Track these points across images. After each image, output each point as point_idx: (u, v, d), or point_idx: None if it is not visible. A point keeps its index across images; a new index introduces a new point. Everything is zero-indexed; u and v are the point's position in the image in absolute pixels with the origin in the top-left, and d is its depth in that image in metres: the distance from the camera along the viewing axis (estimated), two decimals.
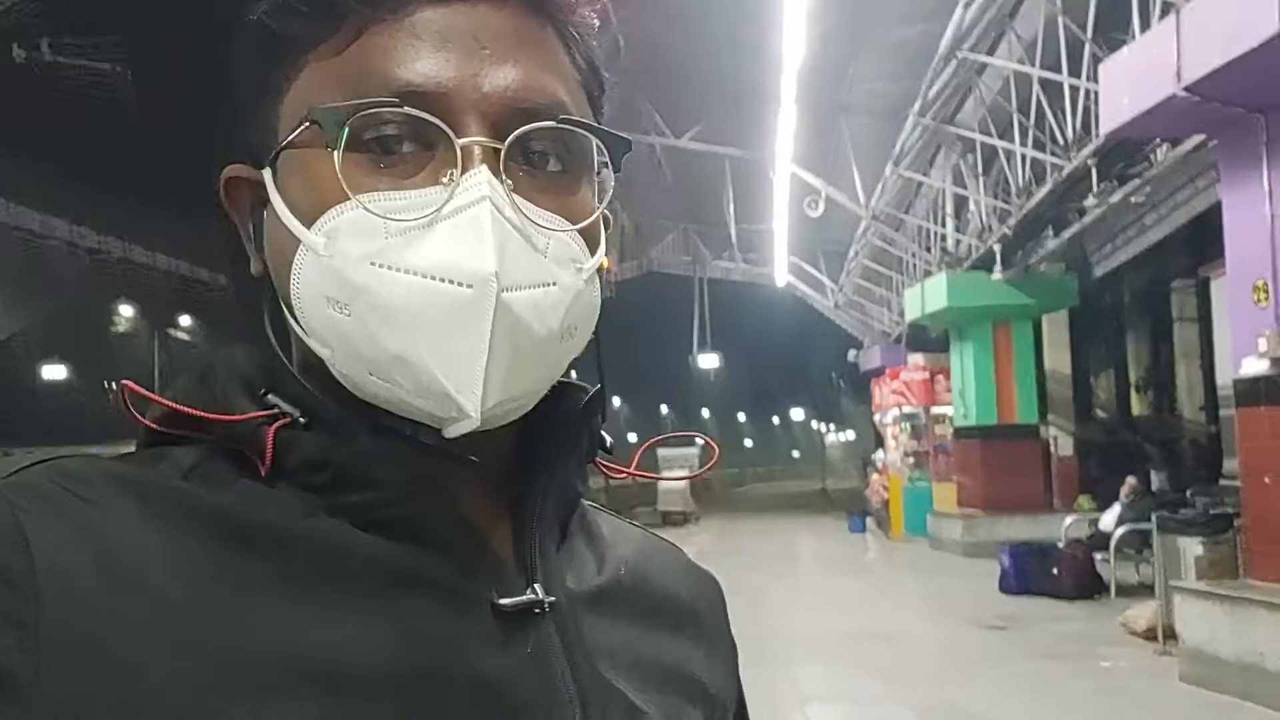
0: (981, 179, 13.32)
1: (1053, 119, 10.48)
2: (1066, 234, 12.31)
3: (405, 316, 0.51)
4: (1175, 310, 17.86)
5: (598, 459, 0.65)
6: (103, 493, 0.49)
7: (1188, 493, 11.53)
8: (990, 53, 11.28)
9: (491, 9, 0.55)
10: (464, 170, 0.52)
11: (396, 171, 0.53)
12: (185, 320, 45.37)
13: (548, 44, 0.57)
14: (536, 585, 0.57)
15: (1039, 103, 10.66)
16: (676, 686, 0.63)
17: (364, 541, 0.52)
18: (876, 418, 20.73)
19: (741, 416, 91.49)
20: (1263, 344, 6.44)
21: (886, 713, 6.32)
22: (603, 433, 0.63)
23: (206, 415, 0.53)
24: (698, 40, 12.81)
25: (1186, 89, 6.31)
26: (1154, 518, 8.20)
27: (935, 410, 17.86)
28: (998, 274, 13.57)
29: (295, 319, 0.55)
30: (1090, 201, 10.20)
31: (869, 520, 19.66)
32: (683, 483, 23.91)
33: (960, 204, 14.60)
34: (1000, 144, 12.08)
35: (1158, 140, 8.89)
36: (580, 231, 0.56)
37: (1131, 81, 6.99)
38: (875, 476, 20.47)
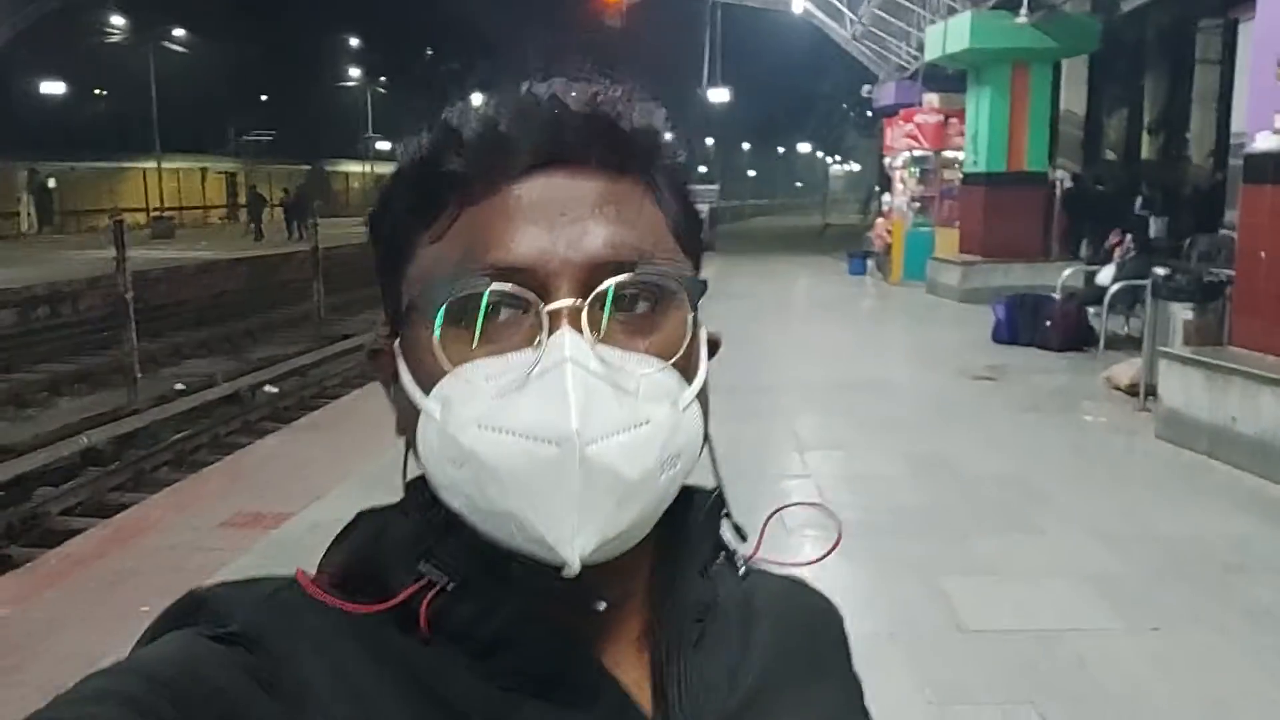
0: None
1: None
2: None
3: (507, 475, 0.55)
4: (1199, 51, 17.35)
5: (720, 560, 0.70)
6: (328, 619, 0.59)
7: (1186, 241, 11.70)
8: None
9: (569, 178, 0.60)
10: (551, 332, 0.56)
11: (496, 338, 0.58)
12: (179, 31, 43.75)
13: (629, 196, 0.62)
14: None
15: None
16: None
17: (517, 702, 0.59)
18: (886, 161, 20.55)
19: (746, 145, 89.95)
20: (1279, 120, 6.42)
21: (876, 461, 6.70)
22: (723, 536, 0.69)
23: (374, 609, 0.60)
24: None
25: None
26: (1150, 281, 8.42)
27: (945, 154, 17.70)
28: (1023, 16, 13.14)
29: (430, 477, 0.61)
30: None
31: (869, 263, 19.89)
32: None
33: None
34: None
35: None
36: (674, 364, 0.60)
37: None
38: (879, 220, 20.53)
